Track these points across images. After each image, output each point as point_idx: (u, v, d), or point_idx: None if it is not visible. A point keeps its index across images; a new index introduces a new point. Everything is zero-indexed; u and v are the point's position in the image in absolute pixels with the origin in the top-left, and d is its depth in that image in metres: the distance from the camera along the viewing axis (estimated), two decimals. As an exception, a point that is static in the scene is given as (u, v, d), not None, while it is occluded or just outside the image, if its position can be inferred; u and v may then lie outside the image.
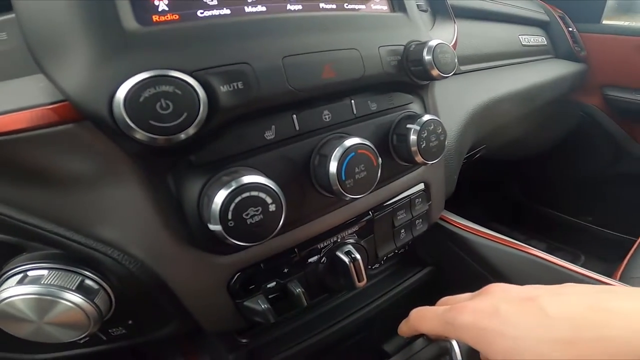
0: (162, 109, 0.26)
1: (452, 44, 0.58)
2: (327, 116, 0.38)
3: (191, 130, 0.27)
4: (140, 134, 0.26)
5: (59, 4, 0.27)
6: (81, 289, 0.31)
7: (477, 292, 0.37)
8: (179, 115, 0.26)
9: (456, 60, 0.43)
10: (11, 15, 0.29)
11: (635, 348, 0.24)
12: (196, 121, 0.27)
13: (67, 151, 0.29)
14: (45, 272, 0.31)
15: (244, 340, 0.50)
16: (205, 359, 0.55)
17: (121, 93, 0.25)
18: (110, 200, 0.31)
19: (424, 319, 0.39)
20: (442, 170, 0.55)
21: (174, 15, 0.31)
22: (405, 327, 0.42)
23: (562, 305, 0.29)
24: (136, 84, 0.25)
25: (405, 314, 0.60)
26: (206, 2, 0.32)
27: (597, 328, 0.26)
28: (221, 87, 0.30)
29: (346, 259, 0.42)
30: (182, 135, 0.27)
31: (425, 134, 0.41)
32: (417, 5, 0.48)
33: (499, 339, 0.29)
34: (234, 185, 0.29)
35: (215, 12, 0.33)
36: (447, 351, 0.49)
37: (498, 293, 0.34)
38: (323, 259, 0.43)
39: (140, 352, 0.50)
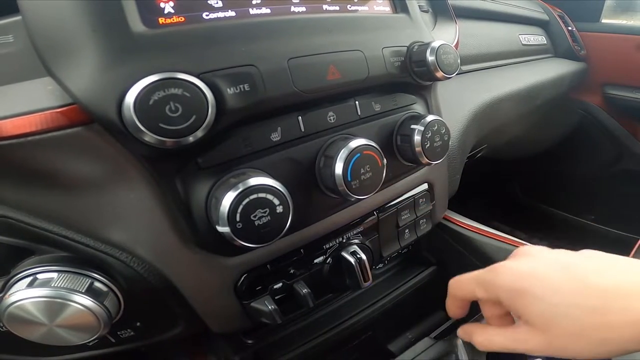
0: (171, 112, 0.26)
1: (454, 44, 0.58)
2: (332, 117, 0.38)
3: (199, 133, 0.27)
4: (149, 137, 0.26)
5: (66, 7, 0.27)
6: (90, 292, 0.31)
7: (511, 254, 0.37)
8: (188, 118, 0.26)
9: (459, 60, 0.43)
10: (17, 18, 0.30)
11: None
12: (205, 124, 0.27)
13: (75, 154, 0.29)
14: (54, 274, 0.31)
15: (249, 341, 0.50)
16: (211, 360, 0.55)
17: (131, 96, 0.25)
18: (119, 203, 0.31)
19: (462, 284, 0.39)
20: (445, 170, 0.56)
21: (179, 18, 0.31)
22: (449, 302, 0.41)
23: (599, 275, 0.30)
24: (145, 86, 0.25)
25: (409, 314, 0.60)
26: (211, 4, 0.33)
27: (627, 298, 0.28)
28: (228, 90, 0.30)
29: (352, 259, 0.42)
30: (191, 138, 0.27)
31: (429, 135, 0.42)
32: (419, 6, 0.49)
33: (537, 302, 0.30)
34: (241, 187, 0.29)
35: (220, 14, 0.33)
36: (453, 350, 0.49)
37: (536, 256, 0.34)
38: (329, 260, 0.43)
39: (147, 353, 0.50)
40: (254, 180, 0.29)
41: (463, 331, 0.40)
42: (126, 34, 0.28)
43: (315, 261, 0.42)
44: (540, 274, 0.32)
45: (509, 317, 0.37)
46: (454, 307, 0.41)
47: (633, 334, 0.27)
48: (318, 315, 0.55)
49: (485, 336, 0.36)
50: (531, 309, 0.31)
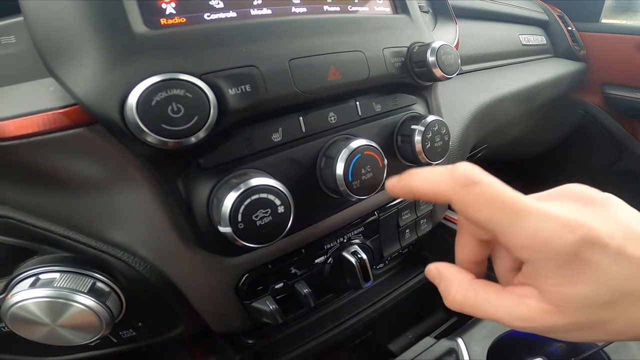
0: (173, 113, 0.26)
1: (455, 44, 0.58)
2: (332, 118, 0.38)
3: (201, 134, 0.27)
4: (152, 138, 0.26)
5: (67, 8, 0.27)
6: (93, 292, 0.31)
7: (552, 192, 0.27)
8: (190, 119, 0.27)
9: (459, 61, 0.44)
10: (19, 19, 0.30)
11: None
12: (206, 124, 0.27)
13: (77, 155, 0.30)
14: (57, 275, 0.31)
15: (250, 341, 0.50)
16: (212, 360, 0.55)
17: (133, 97, 0.25)
18: (120, 203, 0.32)
19: (430, 176, 0.26)
20: (445, 170, 0.56)
21: (181, 19, 0.31)
22: (398, 185, 0.29)
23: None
24: (148, 87, 0.25)
25: (410, 314, 0.60)
26: (212, 5, 0.33)
27: None
28: (229, 90, 0.30)
29: (353, 259, 0.42)
30: (193, 139, 0.27)
31: (430, 135, 0.42)
32: (419, 6, 0.49)
33: (592, 283, 0.22)
34: (243, 188, 0.29)
35: (222, 15, 0.33)
36: (454, 351, 0.49)
37: (606, 208, 0.24)
38: (329, 260, 0.43)
39: (148, 353, 0.50)
40: (256, 181, 0.30)
41: (436, 269, 0.29)
42: (128, 35, 0.28)
43: (316, 261, 0.42)
44: (612, 244, 0.22)
45: (484, 266, 0.30)
46: (400, 189, 0.29)
47: None
48: (319, 315, 0.55)
49: (469, 294, 0.26)
50: (572, 289, 0.22)
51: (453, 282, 0.28)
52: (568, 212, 0.23)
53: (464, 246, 0.29)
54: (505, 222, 0.23)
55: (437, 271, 0.29)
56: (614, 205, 0.25)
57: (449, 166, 0.25)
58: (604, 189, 0.27)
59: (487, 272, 0.30)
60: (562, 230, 0.22)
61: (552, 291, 0.23)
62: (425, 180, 0.27)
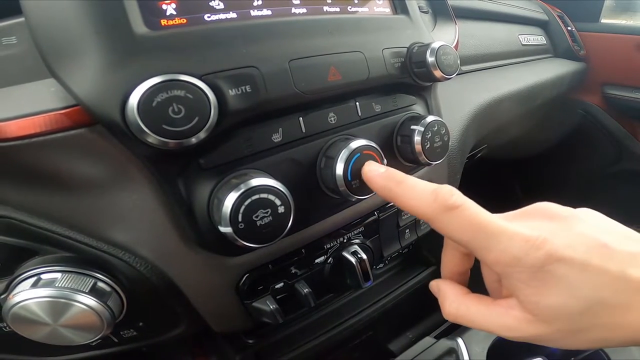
0: (174, 113, 0.26)
1: (454, 45, 0.58)
2: (332, 118, 0.38)
3: (202, 134, 0.27)
4: (152, 138, 0.26)
5: (68, 9, 0.27)
6: (94, 292, 0.31)
7: (523, 211, 0.29)
8: (190, 119, 0.27)
9: (459, 61, 0.44)
10: (20, 19, 0.30)
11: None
12: (207, 125, 0.27)
13: (78, 155, 0.30)
14: (58, 275, 0.31)
15: (250, 341, 0.50)
16: (213, 360, 0.55)
17: (134, 98, 0.25)
18: (121, 204, 0.32)
19: (416, 194, 0.28)
20: (445, 170, 0.56)
21: (181, 20, 0.31)
22: (380, 181, 0.31)
23: (634, 263, 0.24)
24: (149, 88, 0.25)
25: (409, 314, 0.61)
26: (213, 6, 0.33)
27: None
28: (230, 91, 0.30)
29: (353, 259, 0.42)
30: (194, 139, 0.27)
31: (429, 135, 0.42)
32: (419, 7, 0.49)
33: (561, 292, 0.24)
34: (243, 188, 0.29)
35: (222, 16, 0.33)
36: (454, 350, 0.49)
37: (568, 222, 0.26)
38: (329, 260, 0.43)
39: (149, 353, 0.50)
40: (256, 181, 0.30)
41: (436, 285, 0.33)
42: (129, 35, 0.28)
43: (317, 261, 0.42)
44: (574, 255, 0.24)
45: (467, 276, 0.32)
46: (451, 258, 0.32)
47: (639, 334, 0.24)
48: (319, 315, 0.55)
49: (461, 307, 0.29)
50: (547, 300, 0.24)
51: (448, 295, 0.31)
52: (534, 229, 0.25)
53: (449, 258, 0.33)
54: (481, 242, 0.26)
55: (437, 286, 0.33)
56: (580, 219, 0.27)
57: (433, 187, 0.28)
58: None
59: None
60: (528, 246, 0.25)
61: (529, 301, 0.25)
62: (410, 197, 0.29)
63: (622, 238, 0.25)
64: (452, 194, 0.27)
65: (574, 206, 0.28)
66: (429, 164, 0.43)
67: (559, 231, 0.25)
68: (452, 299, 0.30)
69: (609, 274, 0.24)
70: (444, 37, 0.56)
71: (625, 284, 0.24)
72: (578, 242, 0.25)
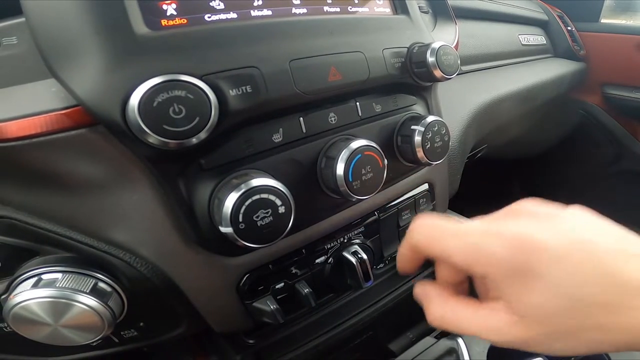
0: (174, 114, 0.26)
1: (454, 45, 0.58)
2: (333, 118, 0.38)
3: (203, 135, 0.27)
4: (153, 139, 0.26)
5: (69, 9, 0.27)
6: (95, 292, 0.31)
7: (506, 210, 0.29)
8: (191, 120, 0.27)
9: (459, 61, 0.44)
10: (21, 20, 0.30)
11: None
12: (208, 125, 0.27)
13: (79, 156, 0.30)
14: (59, 275, 0.31)
15: (251, 341, 0.50)
16: (213, 360, 0.55)
17: (135, 98, 0.25)
18: (122, 204, 0.32)
19: (438, 238, 0.28)
20: (445, 170, 0.56)
21: (182, 20, 0.31)
22: (406, 251, 0.31)
23: (625, 261, 0.23)
24: (149, 88, 0.25)
25: (410, 313, 0.60)
26: (213, 7, 0.33)
27: None
28: (230, 91, 0.30)
29: (353, 259, 0.42)
30: (194, 140, 0.27)
31: (430, 135, 0.42)
32: (419, 7, 0.49)
33: (542, 290, 0.23)
34: (244, 188, 0.29)
35: (222, 16, 0.33)
36: (454, 350, 0.49)
37: (546, 218, 0.26)
38: (330, 260, 0.43)
39: (150, 354, 0.50)
40: (257, 181, 0.30)
41: (420, 289, 0.31)
42: (129, 36, 0.28)
43: (317, 261, 0.42)
44: (554, 250, 0.23)
45: (465, 285, 0.31)
46: (406, 261, 0.31)
47: (633, 338, 0.22)
48: (319, 315, 0.55)
49: (447, 311, 0.28)
50: (529, 299, 0.24)
51: (433, 299, 0.30)
52: (514, 227, 0.25)
53: (442, 271, 0.31)
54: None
55: (422, 289, 0.31)
56: (564, 217, 0.26)
57: (407, 237, 0.30)
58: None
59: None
60: (505, 244, 0.24)
61: (514, 301, 0.24)
62: (401, 256, 0.32)
63: (610, 235, 0.25)
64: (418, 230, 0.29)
65: (576, 204, 0.28)
66: (430, 164, 0.43)
67: (541, 229, 0.25)
68: (437, 303, 0.29)
69: (594, 271, 0.23)
70: (444, 37, 0.56)
71: (612, 282, 0.22)
72: (560, 239, 0.24)
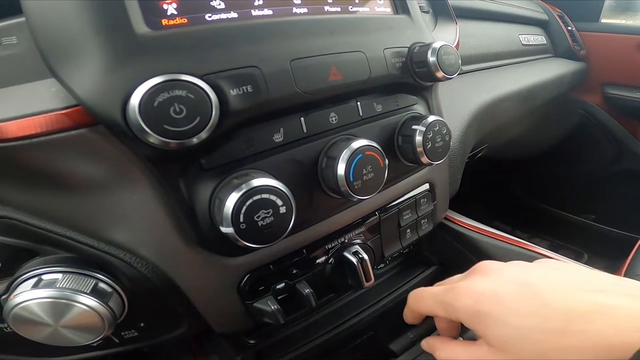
0: (175, 113, 0.26)
1: (455, 44, 0.58)
2: (333, 118, 0.38)
3: (203, 135, 0.27)
4: (154, 138, 0.26)
5: (69, 9, 0.27)
6: (95, 292, 0.31)
7: (468, 271, 0.37)
8: (192, 119, 0.27)
9: (460, 61, 0.44)
10: (21, 19, 0.30)
11: (620, 344, 0.25)
12: (209, 125, 0.27)
13: (79, 156, 0.30)
14: (59, 275, 0.31)
15: (251, 341, 0.50)
16: (214, 360, 0.55)
17: (136, 98, 0.25)
18: (122, 204, 0.32)
19: (421, 300, 0.39)
20: (446, 170, 0.56)
21: (182, 19, 0.31)
22: (407, 312, 0.42)
23: (559, 294, 0.29)
24: (150, 88, 0.25)
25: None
26: (214, 6, 0.33)
27: (587, 322, 0.27)
28: (231, 91, 0.30)
29: (354, 259, 0.42)
30: (195, 139, 0.27)
31: (431, 135, 0.42)
32: (420, 6, 0.49)
33: (497, 325, 0.30)
34: (245, 188, 0.29)
35: (223, 15, 0.33)
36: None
37: (494, 274, 0.34)
38: (331, 260, 0.43)
39: (150, 354, 0.50)
40: (257, 181, 0.30)
41: (427, 344, 0.40)
42: (130, 35, 0.28)
43: (318, 261, 0.42)
44: (499, 295, 0.31)
45: (458, 325, 0.39)
46: (410, 317, 0.43)
47: (595, 356, 0.26)
48: (320, 315, 0.55)
49: (448, 352, 0.36)
50: (491, 332, 0.30)
51: (437, 347, 0.38)
52: (469, 284, 0.34)
53: (438, 322, 0.40)
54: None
55: (427, 344, 0.40)
56: (508, 268, 0.34)
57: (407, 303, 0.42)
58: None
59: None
60: (463, 298, 0.33)
61: (487, 335, 0.31)
62: (405, 316, 0.44)
63: (550, 278, 0.31)
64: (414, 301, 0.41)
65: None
66: (430, 164, 0.43)
67: (487, 281, 0.33)
68: (442, 348, 0.37)
69: (533, 304, 0.29)
70: (444, 37, 0.56)
71: (552, 312, 0.28)
72: (501, 283, 0.32)
